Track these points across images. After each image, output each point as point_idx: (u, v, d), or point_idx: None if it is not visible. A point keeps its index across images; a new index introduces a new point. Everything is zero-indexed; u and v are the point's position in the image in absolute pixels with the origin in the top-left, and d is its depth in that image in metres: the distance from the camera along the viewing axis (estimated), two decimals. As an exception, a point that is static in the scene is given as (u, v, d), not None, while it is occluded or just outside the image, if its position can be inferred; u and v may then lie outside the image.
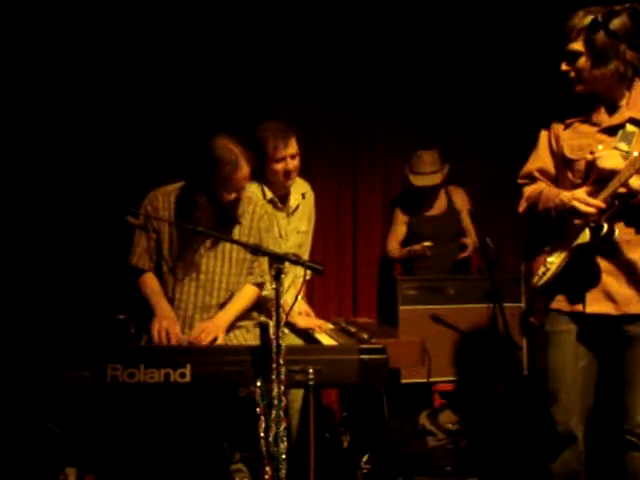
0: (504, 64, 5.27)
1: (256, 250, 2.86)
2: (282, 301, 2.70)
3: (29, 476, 3.43)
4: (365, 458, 4.07)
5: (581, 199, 2.75)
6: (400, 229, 5.13)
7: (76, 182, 4.66)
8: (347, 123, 5.40)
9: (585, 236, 2.78)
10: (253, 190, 3.70)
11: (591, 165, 2.78)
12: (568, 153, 2.90)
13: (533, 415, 3.87)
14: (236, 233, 3.40)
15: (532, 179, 3.03)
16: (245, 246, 3.03)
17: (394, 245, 5.11)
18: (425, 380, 4.20)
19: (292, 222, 3.92)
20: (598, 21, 2.74)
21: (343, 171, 5.43)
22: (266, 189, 3.80)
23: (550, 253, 2.91)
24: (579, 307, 2.85)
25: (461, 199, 5.11)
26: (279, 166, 3.72)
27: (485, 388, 4.18)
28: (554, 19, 2.93)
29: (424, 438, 4.00)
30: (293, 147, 3.73)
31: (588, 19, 2.76)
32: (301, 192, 3.97)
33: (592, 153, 2.79)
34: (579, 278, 2.85)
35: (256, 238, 3.41)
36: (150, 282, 3.40)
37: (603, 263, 2.82)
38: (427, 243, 4.84)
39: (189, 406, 3.15)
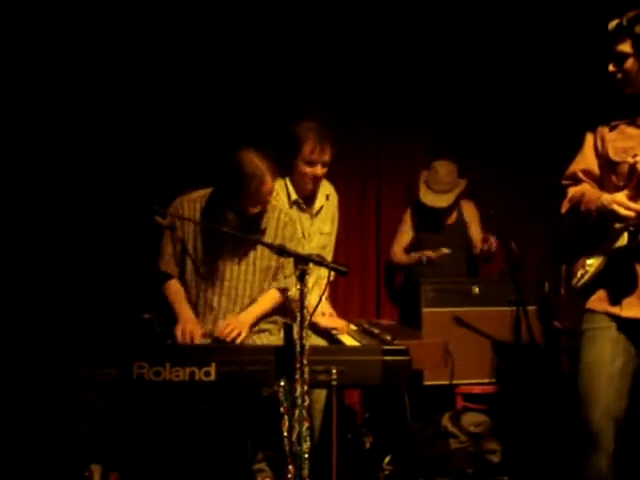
0: (534, 68, 5.26)
1: (281, 251, 2.89)
2: (306, 302, 2.72)
3: (55, 472, 3.46)
4: (387, 459, 4.07)
5: (621, 202, 2.73)
6: (407, 235, 5.06)
7: (106, 183, 4.70)
8: (371, 126, 5.39)
9: (623, 240, 2.78)
10: (277, 189, 3.69)
11: (632, 168, 2.76)
12: (612, 155, 2.89)
13: (559, 417, 3.87)
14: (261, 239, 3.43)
15: (576, 180, 3.00)
16: (270, 247, 3.05)
17: (399, 250, 5.05)
18: (448, 382, 4.21)
19: (315, 223, 3.93)
20: None
21: (367, 174, 5.43)
22: (291, 189, 3.81)
23: (589, 255, 2.89)
24: (616, 310, 2.83)
25: (471, 211, 5.04)
26: (308, 169, 3.73)
27: (509, 390, 4.17)
28: (589, 18, 2.90)
29: (446, 440, 4.00)
30: (328, 155, 3.73)
31: (637, 20, 2.74)
32: (325, 193, 3.98)
33: (634, 156, 2.76)
34: (617, 282, 2.84)
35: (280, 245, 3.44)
36: (175, 288, 3.46)
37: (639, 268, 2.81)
38: (445, 250, 4.77)
39: (213, 405, 3.18)
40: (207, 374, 2.86)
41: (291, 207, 3.82)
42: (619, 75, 2.83)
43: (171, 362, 2.85)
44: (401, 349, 2.95)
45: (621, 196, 2.75)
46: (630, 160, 2.77)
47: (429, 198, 4.85)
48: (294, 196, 3.82)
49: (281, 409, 2.78)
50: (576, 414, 2.88)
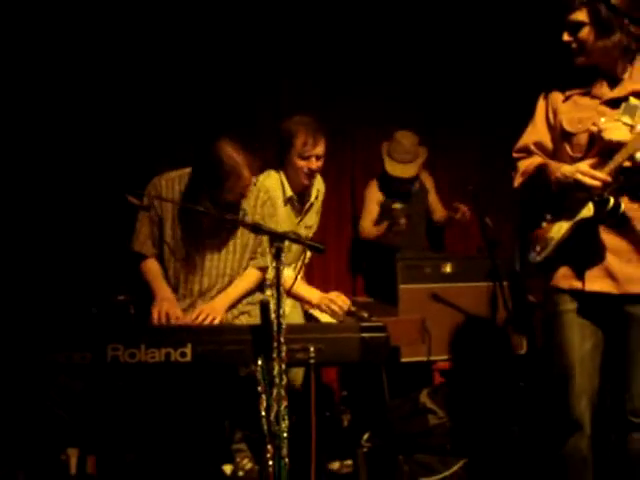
0: (500, 37, 5.29)
1: (257, 228, 2.86)
2: (282, 280, 2.69)
3: (31, 456, 3.43)
4: (366, 436, 4.08)
5: (586, 172, 2.67)
6: (373, 208, 5.08)
7: (81, 164, 4.66)
8: (345, 104, 5.38)
9: (589, 210, 2.71)
10: (272, 185, 3.69)
11: (595, 137, 2.72)
12: (567, 126, 2.84)
13: (537, 397, 3.89)
14: (240, 217, 3.38)
15: (528, 153, 2.95)
16: (245, 225, 3.02)
17: (368, 224, 5.07)
18: (425, 358, 4.22)
19: (302, 219, 3.93)
20: None
21: (342, 152, 5.42)
22: (286, 185, 3.78)
23: (549, 228, 2.84)
24: (578, 285, 2.79)
25: (429, 179, 5.15)
26: (303, 163, 3.70)
27: (485, 366, 4.19)
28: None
29: (425, 416, 4.01)
30: (321, 148, 3.71)
31: None
32: (317, 190, 3.97)
33: (595, 125, 2.71)
34: (579, 254, 2.79)
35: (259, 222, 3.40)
36: (151, 266, 3.38)
37: (606, 239, 2.75)
38: (397, 205, 4.92)
39: (190, 385, 3.15)
40: (183, 355, 2.82)
41: (285, 205, 3.80)
42: (574, 45, 2.78)
43: (146, 343, 2.81)
44: (378, 326, 2.93)
45: (584, 165, 2.70)
46: (593, 128, 2.72)
47: (396, 169, 4.89)
48: (289, 192, 3.79)
49: (259, 388, 2.76)
50: (552, 396, 2.88)
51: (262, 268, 3.43)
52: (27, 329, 2.86)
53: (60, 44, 4.70)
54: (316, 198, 3.98)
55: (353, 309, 3.31)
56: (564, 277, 2.83)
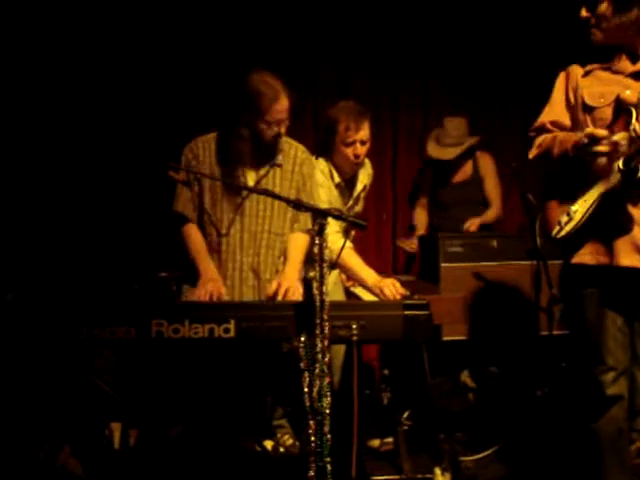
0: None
1: (298, 205, 2.85)
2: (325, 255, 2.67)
3: (75, 431, 3.48)
4: (406, 414, 4.08)
5: (597, 132, 2.62)
6: (425, 197, 5.13)
7: (120, 140, 4.69)
8: (386, 88, 5.36)
9: (615, 179, 2.64)
10: (322, 168, 3.69)
11: (620, 106, 2.68)
12: (589, 100, 2.79)
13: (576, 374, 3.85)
14: (278, 177, 3.37)
15: (546, 132, 2.90)
16: (287, 201, 2.99)
17: (419, 215, 5.12)
18: (466, 337, 4.19)
19: (351, 206, 3.93)
20: None
21: (383, 133, 5.38)
22: (334, 171, 3.77)
23: (573, 201, 2.76)
24: (606, 260, 2.72)
25: (486, 166, 5.02)
26: (348, 150, 3.69)
27: (526, 346, 4.14)
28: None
29: (466, 395, 4.00)
30: (365, 132, 3.69)
31: None
32: (365, 180, 3.96)
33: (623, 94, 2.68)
34: (606, 228, 2.72)
35: (299, 183, 3.39)
36: (194, 236, 3.35)
37: (634, 212, 2.70)
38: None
39: (233, 361, 3.17)
40: (226, 331, 2.83)
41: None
42: (592, 20, 2.75)
43: (190, 319, 2.83)
44: (422, 304, 2.92)
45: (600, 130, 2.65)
46: (624, 95, 2.68)
47: (435, 151, 4.88)
48: (337, 179, 3.77)
49: (301, 365, 2.76)
50: (587, 370, 2.84)
51: (308, 230, 3.38)
52: (72, 305, 2.89)
53: (92, 32, 4.75)
54: (364, 188, 3.97)
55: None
56: (590, 253, 2.77)
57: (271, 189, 3.28)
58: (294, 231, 3.39)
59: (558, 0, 4.05)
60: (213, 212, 3.34)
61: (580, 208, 2.73)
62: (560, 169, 2.85)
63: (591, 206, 2.71)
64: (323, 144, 3.75)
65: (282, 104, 3.22)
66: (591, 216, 2.71)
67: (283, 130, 3.29)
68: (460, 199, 4.95)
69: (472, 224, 4.82)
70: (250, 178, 3.34)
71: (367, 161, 3.96)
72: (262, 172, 3.35)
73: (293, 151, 3.41)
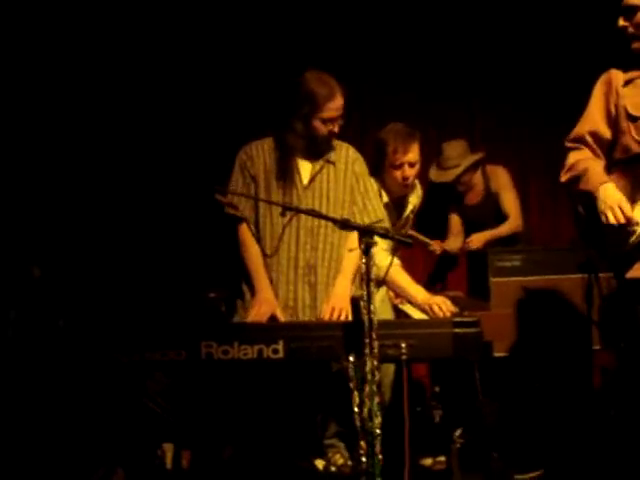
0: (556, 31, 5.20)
1: (345, 225, 2.85)
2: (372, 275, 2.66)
3: (129, 453, 3.51)
4: (458, 432, 4.03)
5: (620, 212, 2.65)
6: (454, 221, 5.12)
7: (167, 163, 4.75)
8: (431, 110, 5.36)
9: None
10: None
11: None
12: (632, 110, 2.76)
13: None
14: (332, 174, 3.37)
15: (583, 143, 2.88)
16: (334, 221, 2.99)
17: (449, 240, 5.09)
18: (517, 354, 4.13)
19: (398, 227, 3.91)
20: None
21: (430, 151, 5.37)
22: (383, 191, 3.76)
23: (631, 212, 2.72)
24: None
25: (498, 179, 4.97)
26: (397, 172, 3.69)
27: (581, 359, 4.07)
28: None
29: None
30: (413, 154, 3.69)
31: None
32: (417, 197, 3.96)
33: None
34: None
35: (352, 180, 3.39)
36: (252, 248, 3.31)
37: None
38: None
39: (283, 382, 3.17)
40: (275, 351, 2.84)
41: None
42: (630, 29, 2.73)
43: (239, 340, 2.84)
44: (472, 321, 2.90)
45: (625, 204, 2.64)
46: None
47: (435, 175, 4.91)
48: (385, 199, 3.76)
49: (350, 385, 2.75)
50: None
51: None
52: (123, 328, 2.93)
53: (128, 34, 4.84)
54: (413, 209, 3.96)
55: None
56: None
57: (325, 186, 3.33)
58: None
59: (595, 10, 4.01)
60: (269, 215, 3.34)
61: None
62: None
63: None
64: (373, 165, 3.75)
65: (337, 102, 3.25)
66: None
67: (337, 129, 3.31)
68: (477, 220, 4.92)
69: (473, 240, 4.82)
70: (305, 174, 3.35)
71: (417, 183, 3.95)
72: (317, 167, 3.36)
73: (344, 151, 3.43)
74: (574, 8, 5.08)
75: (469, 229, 4.97)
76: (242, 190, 3.35)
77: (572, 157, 2.87)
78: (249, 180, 3.36)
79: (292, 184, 3.32)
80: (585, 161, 2.81)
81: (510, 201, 4.94)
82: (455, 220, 5.10)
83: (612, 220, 2.64)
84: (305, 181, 3.34)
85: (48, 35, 4.67)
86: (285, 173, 3.31)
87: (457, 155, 4.87)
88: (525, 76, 5.31)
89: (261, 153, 3.37)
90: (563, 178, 2.90)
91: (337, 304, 3.17)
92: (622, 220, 2.63)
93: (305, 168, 3.36)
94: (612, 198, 2.68)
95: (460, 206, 5.03)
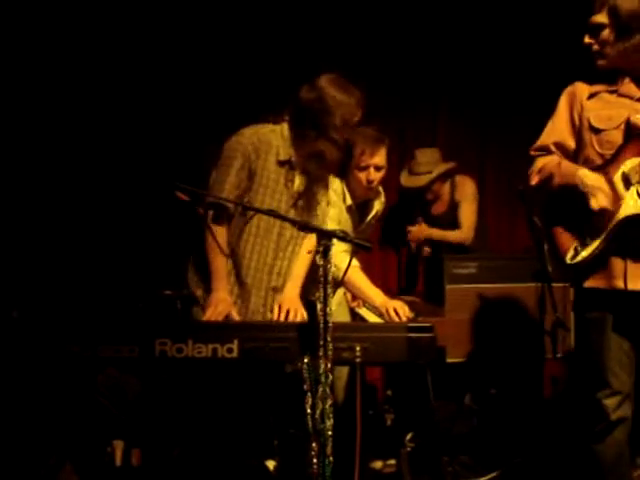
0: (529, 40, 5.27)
1: (304, 227, 2.86)
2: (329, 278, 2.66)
3: (78, 448, 3.47)
4: (409, 436, 4.06)
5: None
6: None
7: (126, 159, 4.72)
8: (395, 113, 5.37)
9: (634, 206, 2.66)
10: (336, 187, 3.67)
11: (631, 128, 2.69)
12: (595, 123, 2.79)
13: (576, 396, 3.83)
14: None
15: (548, 152, 2.89)
16: (293, 222, 3.00)
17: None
18: (469, 359, 4.18)
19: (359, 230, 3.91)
20: None
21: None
22: (347, 193, 3.76)
23: (581, 229, 2.77)
24: (619, 284, 2.73)
25: (463, 190, 4.98)
26: (362, 174, 3.69)
27: (533, 367, 4.13)
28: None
29: (469, 418, 3.98)
30: (380, 158, 3.70)
31: None
32: (380, 202, 3.96)
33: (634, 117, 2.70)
34: (621, 252, 2.72)
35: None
36: (217, 249, 3.23)
37: None
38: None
39: (236, 381, 3.16)
40: (230, 351, 2.83)
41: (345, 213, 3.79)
42: (595, 47, 2.77)
43: (193, 339, 2.83)
44: (426, 326, 2.91)
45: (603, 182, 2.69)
46: (634, 119, 2.69)
47: (407, 180, 4.93)
48: (349, 201, 3.76)
49: (304, 386, 2.75)
50: (589, 395, 2.83)
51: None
52: (77, 322, 2.90)
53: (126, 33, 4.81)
54: (375, 214, 3.97)
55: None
56: (602, 277, 2.77)
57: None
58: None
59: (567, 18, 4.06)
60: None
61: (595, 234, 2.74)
62: (565, 193, 2.84)
63: (608, 231, 2.71)
64: (341, 165, 3.76)
65: (354, 108, 3.21)
66: (608, 242, 2.72)
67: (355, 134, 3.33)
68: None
69: (415, 230, 4.86)
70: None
71: (381, 189, 3.96)
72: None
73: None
74: (539, 17, 5.14)
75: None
76: (231, 180, 3.22)
77: (540, 162, 2.89)
78: (244, 175, 3.24)
79: (244, 208, 3.22)
80: (554, 161, 2.86)
81: (467, 212, 4.94)
82: None
83: (595, 206, 2.67)
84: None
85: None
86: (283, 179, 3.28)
87: (430, 162, 4.89)
88: (491, 82, 5.37)
89: (267, 149, 3.24)
90: (534, 181, 2.90)
91: (288, 305, 3.17)
92: (606, 205, 2.67)
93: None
94: (593, 181, 2.72)
95: (425, 215, 5.03)
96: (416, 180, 4.89)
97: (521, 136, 5.30)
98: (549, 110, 3.00)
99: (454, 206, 4.98)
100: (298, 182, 3.29)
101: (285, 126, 3.28)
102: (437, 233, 4.91)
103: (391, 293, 4.02)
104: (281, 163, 3.25)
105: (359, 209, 3.86)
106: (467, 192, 4.97)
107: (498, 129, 5.50)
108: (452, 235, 4.91)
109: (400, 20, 5.27)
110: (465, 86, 5.37)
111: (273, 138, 3.26)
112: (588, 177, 2.73)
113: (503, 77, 5.36)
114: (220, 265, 3.23)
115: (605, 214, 2.70)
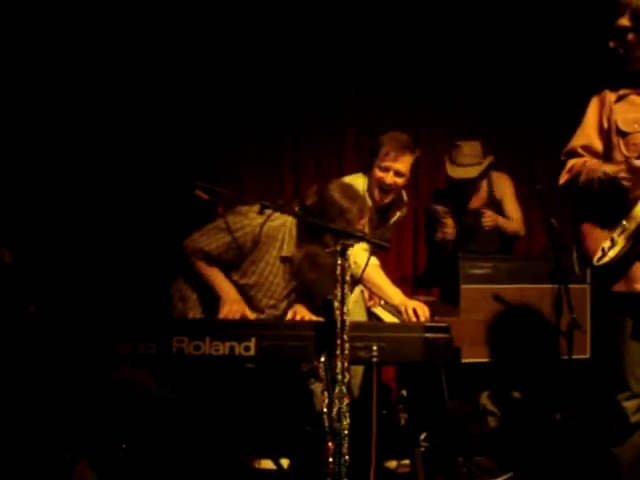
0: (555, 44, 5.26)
1: (322, 227, 2.87)
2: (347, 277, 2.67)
3: (93, 443, 3.49)
4: (423, 436, 4.05)
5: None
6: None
7: (142, 160, 4.75)
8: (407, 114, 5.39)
9: None
10: (358, 186, 3.64)
11: None
12: (622, 126, 2.80)
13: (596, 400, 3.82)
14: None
15: (577, 156, 2.91)
16: (312, 223, 3.01)
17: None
18: (486, 359, 4.16)
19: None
20: None
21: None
22: (366, 194, 3.76)
23: (613, 226, 2.77)
24: (639, 287, 2.74)
25: (502, 186, 4.90)
26: (380, 174, 3.69)
27: (547, 368, 4.11)
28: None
29: (485, 418, 3.96)
30: (403, 165, 3.70)
31: None
32: (399, 213, 3.99)
33: None
34: None
35: None
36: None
37: None
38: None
39: (252, 379, 3.17)
40: (247, 349, 2.84)
41: None
42: (621, 51, 2.77)
43: (211, 336, 2.83)
44: (442, 326, 2.92)
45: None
46: None
47: (454, 171, 4.77)
48: (369, 202, 3.73)
49: (321, 385, 2.76)
50: (609, 398, 2.83)
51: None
52: (94, 319, 2.91)
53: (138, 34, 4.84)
54: (394, 221, 4.00)
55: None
56: (623, 280, 2.78)
57: None
58: None
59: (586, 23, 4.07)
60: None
61: (622, 234, 2.75)
62: (593, 193, 2.85)
63: (633, 233, 2.72)
64: (368, 166, 3.76)
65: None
66: (633, 244, 2.72)
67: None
68: (475, 224, 4.90)
69: (489, 215, 4.75)
70: None
71: (405, 196, 3.99)
72: None
73: None
74: (555, 24, 5.15)
75: (464, 234, 4.94)
76: (219, 245, 3.25)
77: (570, 163, 2.92)
78: (232, 253, 3.27)
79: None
80: (580, 161, 2.88)
81: (512, 206, 4.85)
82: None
83: (627, 184, 2.68)
84: None
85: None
86: None
87: (476, 154, 4.80)
88: (513, 87, 5.36)
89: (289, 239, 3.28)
90: (562, 180, 2.92)
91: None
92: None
93: None
94: (614, 169, 2.74)
95: (461, 210, 4.98)
96: (466, 171, 4.81)
97: (537, 138, 5.41)
98: (566, 113, 3.01)
99: (494, 202, 4.92)
100: None
101: (294, 223, 3.28)
102: (501, 220, 4.85)
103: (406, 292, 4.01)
104: (283, 259, 3.28)
105: (381, 212, 3.85)
106: (508, 189, 4.90)
107: (514, 129, 5.47)
108: (510, 225, 4.83)
109: (415, 22, 5.30)
110: (480, 89, 5.37)
111: (280, 232, 3.27)
112: (609, 167, 2.75)
113: (519, 80, 5.35)
114: (221, 275, 3.26)
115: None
